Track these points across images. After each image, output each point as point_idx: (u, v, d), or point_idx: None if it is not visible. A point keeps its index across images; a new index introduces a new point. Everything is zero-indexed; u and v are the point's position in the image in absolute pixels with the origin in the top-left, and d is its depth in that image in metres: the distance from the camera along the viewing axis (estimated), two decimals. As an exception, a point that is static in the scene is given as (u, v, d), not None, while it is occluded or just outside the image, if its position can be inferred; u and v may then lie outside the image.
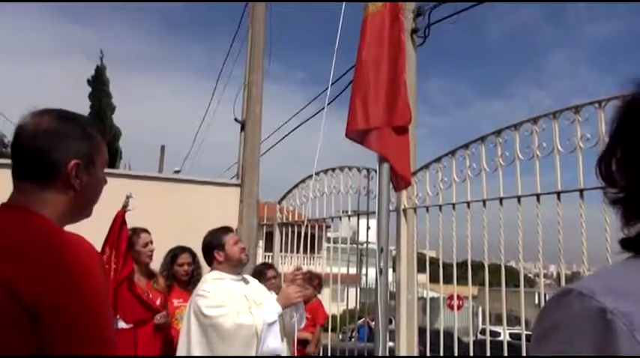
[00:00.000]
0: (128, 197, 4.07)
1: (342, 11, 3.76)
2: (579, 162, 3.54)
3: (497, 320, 10.97)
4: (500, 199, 4.04)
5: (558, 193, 3.65)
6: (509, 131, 4.00)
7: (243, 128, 6.99)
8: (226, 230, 3.62)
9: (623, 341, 0.60)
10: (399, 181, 3.75)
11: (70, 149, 1.27)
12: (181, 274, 4.63)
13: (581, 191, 3.51)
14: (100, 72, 9.91)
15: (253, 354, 3.19)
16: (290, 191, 6.59)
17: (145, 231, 4.37)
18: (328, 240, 9.14)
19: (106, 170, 1.43)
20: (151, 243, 4.36)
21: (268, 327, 3.23)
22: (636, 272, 0.69)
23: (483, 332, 7.77)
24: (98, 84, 9.81)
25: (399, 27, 3.72)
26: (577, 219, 3.56)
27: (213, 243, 3.50)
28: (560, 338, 0.66)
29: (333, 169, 5.80)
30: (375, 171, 4.18)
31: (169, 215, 5.98)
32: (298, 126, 9.48)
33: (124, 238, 4.14)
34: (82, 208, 1.35)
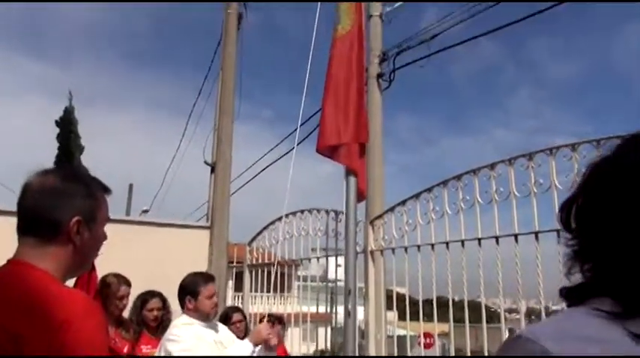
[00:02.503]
0: None
1: (311, 52, 3.97)
2: (534, 206, 3.74)
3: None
4: (462, 241, 4.20)
5: (515, 236, 3.83)
6: (468, 176, 4.19)
7: (213, 170, 7.07)
8: (207, 279, 3.59)
9: None
10: (359, 194, 3.91)
11: (73, 206, 1.35)
12: (150, 319, 4.59)
13: (536, 233, 3.70)
14: (68, 113, 9.86)
15: None
16: (259, 233, 6.66)
17: (127, 283, 4.30)
18: (298, 278, 9.16)
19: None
20: (127, 297, 4.32)
21: None
22: (577, 319, 0.79)
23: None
24: (66, 125, 9.76)
25: (362, 50, 3.95)
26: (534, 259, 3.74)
27: (189, 288, 3.51)
28: None
29: (302, 211, 5.91)
30: (343, 213, 4.31)
31: (138, 258, 5.94)
32: (267, 167, 9.58)
33: (93, 284, 4.11)
34: (81, 262, 1.42)
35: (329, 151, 3.81)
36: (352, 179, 3.87)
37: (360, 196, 4.02)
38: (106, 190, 1.49)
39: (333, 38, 3.96)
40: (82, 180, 1.43)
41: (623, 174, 0.80)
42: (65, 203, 1.35)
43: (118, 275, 4.29)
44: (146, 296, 4.65)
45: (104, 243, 1.56)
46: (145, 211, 16.29)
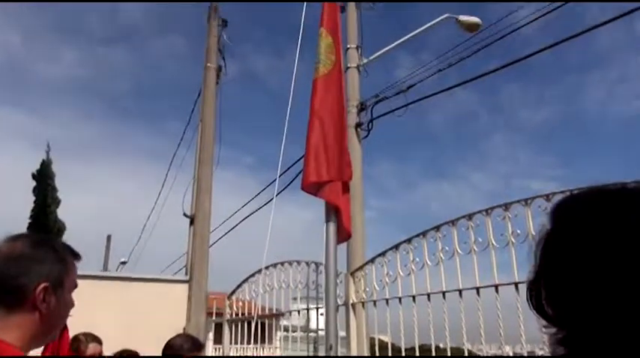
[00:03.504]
0: None
1: (290, 99, 4.02)
2: (512, 256, 3.76)
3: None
4: (443, 293, 4.19)
5: (496, 286, 3.82)
6: (447, 226, 4.21)
7: (192, 222, 7.01)
8: (193, 348, 3.48)
9: None
10: (342, 233, 3.86)
11: (41, 273, 1.31)
12: (126, 379, 4.46)
13: (516, 284, 3.70)
14: (45, 166, 9.71)
15: None
16: (239, 286, 6.56)
17: (96, 340, 4.19)
18: (280, 328, 8.99)
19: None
20: (100, 354, 4.20)
21: None
22: None
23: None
24: (43, 178, 9.61)
25: (342, 91, 4.02)
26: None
27: (172, 351, 3.40)
28: None
29: (282, 263, 5.85)
30: (323, 265, 4.26)
31: (116, 314, 5.82)
32: (247, 217, 9.54)
33: (65, 343, 3.99)
34: (48, 331, 1.37)
35: (314, 189, 3.82)
36: (332, 228, 3.84)
37: (345, 235, 3.97)
38: (76, 256, 1.46)
39: (314, 77, 4.02)
40: (51, 246, 1.40)
41: (583, 255, 0.75)
42: (32, 269, 1.31)
43: (86, 334, 4.19)
44: (122, 355, 4.54)
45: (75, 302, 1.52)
46: (124, 263, 15.99)
